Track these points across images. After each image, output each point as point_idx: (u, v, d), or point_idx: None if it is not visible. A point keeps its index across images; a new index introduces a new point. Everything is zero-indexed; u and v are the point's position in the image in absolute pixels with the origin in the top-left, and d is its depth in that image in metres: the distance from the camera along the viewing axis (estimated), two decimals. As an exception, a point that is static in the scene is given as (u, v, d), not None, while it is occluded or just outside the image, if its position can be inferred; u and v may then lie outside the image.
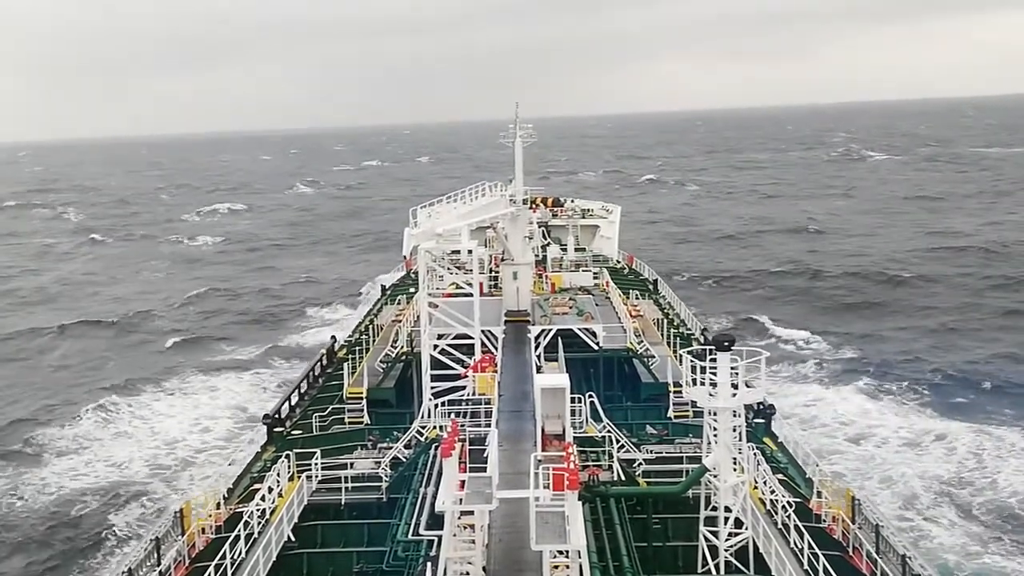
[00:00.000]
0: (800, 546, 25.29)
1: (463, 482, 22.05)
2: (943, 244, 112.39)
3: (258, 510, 28.66)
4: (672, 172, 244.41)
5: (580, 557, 21.64)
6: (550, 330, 43.95)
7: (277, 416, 40.48)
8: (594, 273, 59.89)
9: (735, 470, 26.72)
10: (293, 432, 39.45)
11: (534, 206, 66.74)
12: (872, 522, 26.86)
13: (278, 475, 31.36)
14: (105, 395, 63.18)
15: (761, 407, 37.66)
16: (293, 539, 29.67)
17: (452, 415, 34.15)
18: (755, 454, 30.48)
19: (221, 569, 25.13)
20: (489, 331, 41.94)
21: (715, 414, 26.50)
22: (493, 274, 54.66)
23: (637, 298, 59.30)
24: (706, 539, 27.45)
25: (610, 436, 33.27)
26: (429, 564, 22.37)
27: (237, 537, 26.55)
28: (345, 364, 45.39)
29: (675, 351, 44.98)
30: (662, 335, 50.13)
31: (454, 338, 40.52)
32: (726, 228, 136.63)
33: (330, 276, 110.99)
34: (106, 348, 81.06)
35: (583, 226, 75.40)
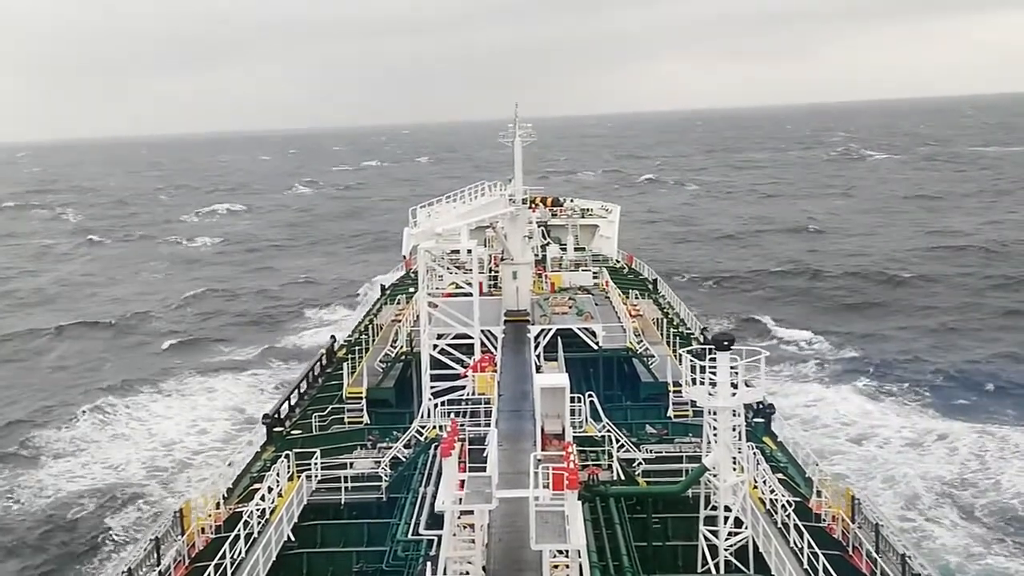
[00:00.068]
0: (800, 545, 25.25)
1: (463, 482, 22.02)
2: (943, 243, 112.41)
3: (258, 510, 28.61)
4: (671, 172, 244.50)
5: (580, 557, 21.60)
6: (550, 330, 43.93)
7: (277, 416, 40.47)
8: (593, 273, 59.90)
9: (735, 469, 26.67)
10: (293, 432, 39.43)
11: (533, 206, 66.75)
12: (872, 521, 26.83)
13: (278, 475, 31.31)
14: (102, 396, 63.07)
15: (761, 406, 37.63)
16: (293, 539, 29.63)
17: (452, 415, 34.18)
18: (755, 453, 30.42)
19: (221, 569, 25.08)
20: (489, 331, 41.91)
21: (715, 413, 26.46)
22: (493, 274, 54.61)
23: (637, 298, 59.30)
24: (706, 538, 27.40)
25: (610, 436, 33.24)
26: (429, 564, 22.31)
27: (237, 537, 26.51)
28: (345, 364, 45.38)
29: (675, 351, 44.96)
30: (661, 335, 50.13)
31: (454, 338, 40.48)
32: (725, 228, 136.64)
33: (329, 277, 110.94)
34: (104, 349, 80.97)
35: (582, 226, 75.45)
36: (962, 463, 46.95)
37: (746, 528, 27.16)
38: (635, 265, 75.14)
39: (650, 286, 66.48)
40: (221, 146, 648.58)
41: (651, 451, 34.93)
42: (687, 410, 39.08)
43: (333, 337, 54.33)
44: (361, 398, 40.89)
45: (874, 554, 25.49)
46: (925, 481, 44.78)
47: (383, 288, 71.17)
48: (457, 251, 41.55)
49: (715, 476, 26.71)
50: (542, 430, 28.92)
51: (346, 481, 32.40)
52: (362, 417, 40.11)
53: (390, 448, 34.81)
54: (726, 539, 26.91)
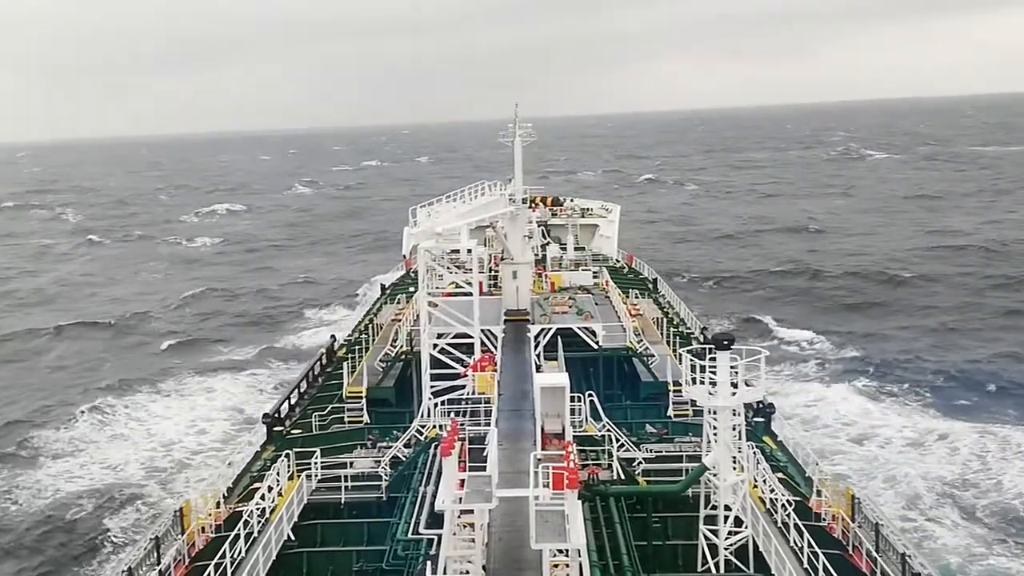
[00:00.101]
0: (800, 545, 25.23)
1: (463, 481, 22.01)
2: (943, 243, 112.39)
3: (258, 509, 28.60)
4: (671, 172, 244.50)
5: (580, 556, 21.58)
6: (550, 329, 43.91)
7: (277, 415, 40.48)
8: (593, 272, 59.93)
9: (735, 469, 26.65)
10: (293, 431, 39.44)
11: (533, 205, 66.75)
12: (872, 521, 26.81)
13: (278, 474, 31.30)
14: (101, 396, 63.03)
15: (761, 406, 37.61)
16: (293, 538, 29.63)
17: (452, 414, 34.14)
18: (755, 453, 30.42)
19: (221, 568, 25.07)
20: (489, 330, 41.89)
21: (715, 413, 26.43)
22: (493, 273, 54.60)
23: (636, 297, 59.32)
24: (706, 538, 27.38)
25: (610, 435, 33.25)
26: (429, 563, 22.28)
27: (237, 536, 26.50)
28: (345, 363, 45.39)
29: (674, 350, 44.94)
30: (661, 334, 50.13)
31: (454, 337, 40.47)
32: (725, 227, 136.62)
33: (328, 277, 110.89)
34: (103, 349, 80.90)
35: (582, 225, 75.49)
36: (963, 463, 46.84)
37: (746, 527, 27.14)
38: (635, 265, 75.15)
39: (650, 286, 66.51)
40: (221, 146, 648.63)
41: (651, 450, 34.92)
42: (687, 409, 39.05)
43: (333, 336, 54.34)
44: (361, 397, 40.89)
45: (874, 553, 25.46)
46: (926, 481, 44.68)
47: (383, 287, 71.18)
48: (457, 251, 41.53)
49: (715, 475, 26.68)
50: (542, 429, 28.91)
51: (346, 480, 32.41)
52: (362, 416, 40.09)
53: (390, 447, 34.81)
54: (726, 538, 26.88)
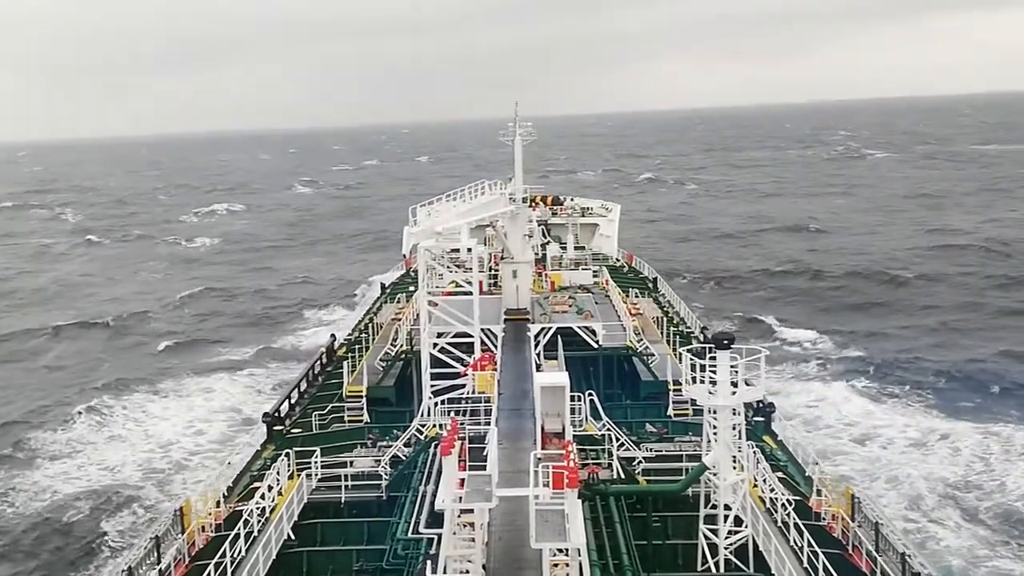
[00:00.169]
0: (800, 544, 25.20)
1: (463, 480, 21.96)
2: (943, 242, 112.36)
3: (258, 508, 28.57)
4: (671, 171, 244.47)
5: (580, 555, 21.53)
6: (550, 328, 43.88)
7: (277, 414, 40.44)
8: (593, 271, 59.84)
9: (735, 468, 26.61)
10: (293, 430, 39.41)
11: (533, 204, 66.73)
12: (872, 520, 26.76)
13: (278, 473, 31.27)
14: (99, 397, 62.88)
15: (761, 405, 37.58)
16: (293, 537, 29.61)
17: (452, 413, 34.13)
18: (755, 452, 30.41)
19: (221, 567, 25.04)
20: (489, 329, 41.88)
21: (715, 412, 26.40)
22: (493, 272, 54.56)
23: (637, 296, 59.28)
24: (706, 537, 27.34)
25: (610, 434, 33.15)
26: (429, 562, 22.24)
27: (237, 535, 26.48)
28: (345, 362, 45.38)
29: (674, 349, 44.89)
30: (662, 333, 50.09)
31: (454, 336, 40.44)
32: (725, 227, 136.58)
33: (327, 276, 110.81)
34: (101, 349, 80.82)
35: (582, 224, 75.47)
36: (966, 464, 46.69)
37: (746, 527, 27.11)
38: (635, 264, 75.12)
39: (650, 285, 66.48)
40: (221, 145, 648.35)
41: (651, 450, 34.87)
42: (687, 409, 39.00)
43: (333, 336, 54.29)
44: (361, 397, 40.87)
45: (874, 553, 25.42)
46: (928, 482, 44.53)
47: (383, 287, 71.12)
48: (457, 250, 41.49)
49: (715, 475, 26.63)
50: (542, 429, 28.87)
51: (346, 480, 32.38)
52: (362, 416, 40.07)
53: (390, 447, 34.75)
54: (726, 538, 26.85)
